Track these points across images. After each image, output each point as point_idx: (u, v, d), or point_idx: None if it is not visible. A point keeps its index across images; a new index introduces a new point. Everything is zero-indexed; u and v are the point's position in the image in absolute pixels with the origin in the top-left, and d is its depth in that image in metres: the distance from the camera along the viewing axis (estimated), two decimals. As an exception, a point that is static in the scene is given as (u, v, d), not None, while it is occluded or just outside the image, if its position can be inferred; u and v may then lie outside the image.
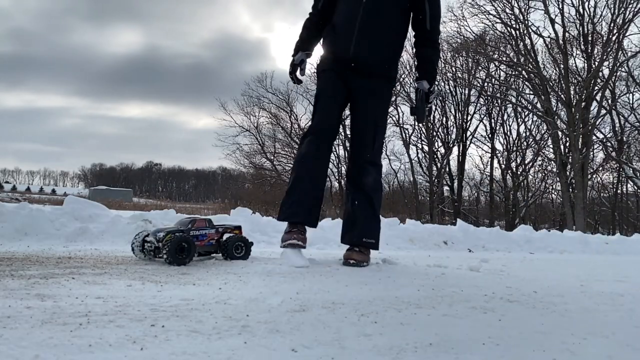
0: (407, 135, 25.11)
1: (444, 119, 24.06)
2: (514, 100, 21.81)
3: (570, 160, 18.90)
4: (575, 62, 19.77)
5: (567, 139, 19.12)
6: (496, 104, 23.45)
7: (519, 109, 22.26)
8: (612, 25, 18.28)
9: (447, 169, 24.87)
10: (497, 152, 24.31)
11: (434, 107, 3.17)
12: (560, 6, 18.85)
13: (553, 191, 25.07)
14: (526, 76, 20.04)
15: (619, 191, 22.73)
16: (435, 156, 24.51)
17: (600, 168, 21.87)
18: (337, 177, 26.47)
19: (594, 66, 18.57)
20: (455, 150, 24.37)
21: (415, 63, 2.95)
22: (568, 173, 19.12)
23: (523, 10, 19.29)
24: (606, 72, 18.83)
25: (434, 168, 24.48)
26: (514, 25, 19.63)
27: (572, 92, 18.71)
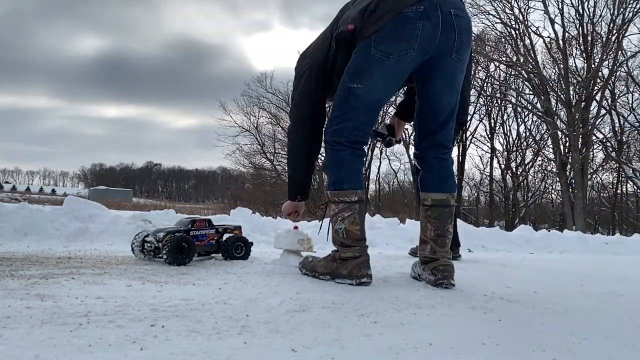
0: (407, 135, 25.12)
1: (444, 119, 24.04)
2: (513, 100, 21.82)
3: (570, 160, 18.90)
4: (575, 62, 19.79)
5: (567, 139, 19.13)
6: (496, 104, 23.47)
7: (519, 109, 22.27)
8: (611, 25, 18.30)
9: (447, 169, 24.84)
10: (497, 152, 24.34)
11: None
12: (560, 6, 18.88)
13: (553, 191, 25.09)
14: (526, 76, 20.04)
15: (618, 191, 22.73)
16: (435, 156, 24.48)
17: (600, 168, 21.88)
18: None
19: (593, 66, 18.57)
20: (455, 150, 24.40)
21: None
22: (568, 173, 19.12)
23: (523, 10, 19.31)
24: (606, 72, 18.86)
25: (434, 168, 24.46)
26: (514, 25, 19.64)
27: (572, 92, 18.72)
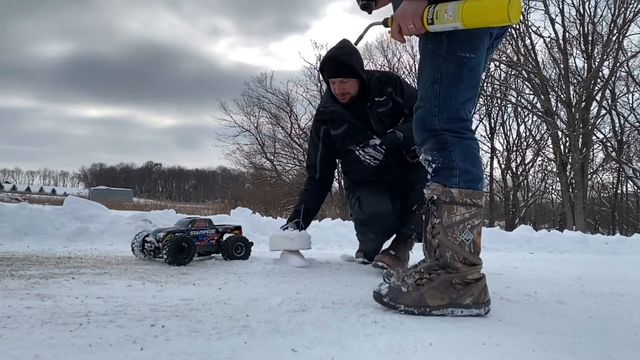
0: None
1: (444, 119, 24.00)
2: (514, 100, 21.80)
3: (570, 160, 18.89)
4: (575, 62, 19.78)
5: (567, 139, 19.11)
6: (496, 104, 23.45)
7: (519, 109, 22.25)
8: (612, 25, 18.27)
9: (447, 169, 24.80)
10: (497, 152, 24.32)
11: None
12: (561, 6, 18.86)
13: (553, 191, 25.08)
14: (526, 76, 20.03)
15: (619, 191, 22.72)
16: (435, 156, 24.45)
17: (600, 168, 21.87)
18: (336, 177, 26.46)
19: (594, 66, 18.56)
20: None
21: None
22: (568, 173, 19.10)
23: (523, 10, 19.27)
24: (606, 72, 18.83)
25: (434, 168, 24.43)
26: (514, 25, 19.62)
27: (572, 92, 18.71)
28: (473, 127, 1.71)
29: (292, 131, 25.39)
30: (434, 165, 1.62)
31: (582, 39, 19.08)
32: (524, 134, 23.65)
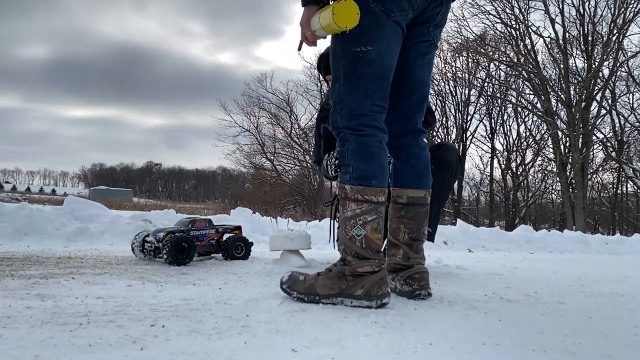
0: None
1: (444, 119, 24.06)
2: (514, 100, 21.82)
3: (570, 160, 18.89)
4: (575, 62, 19.79)
5: (567, 139, 19.12)
6: (496, 104, 23.46)
7: (519, 109, 22.27)
8: (612, 25, 18.27)
9: (447, 169, 24.77)
10: (497, 152, 24.34)
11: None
12: (561, 6, 18.86)
13: (553, 191, 25.10)
14: (526, 76, 20.04)
15: (619, 191, 22.73)
16: (435, 156, 24.43)
17: (600, 168, 21.88)
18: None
19: (594, 66, 18.56)
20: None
21: None
22: (568, 173, 19.11)
23: (523, 10, 19.30)
24: (606, 72, 18.84)
25: (434, 168, 24.42)
26: (514, 25, 19.63)
27: (572, 92, 18.71)
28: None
29: (292, 131, 25.41)
30: (338, 162, 1.70)
31: (582, 39, 19.08)
32: (524, 134, 23.68)
